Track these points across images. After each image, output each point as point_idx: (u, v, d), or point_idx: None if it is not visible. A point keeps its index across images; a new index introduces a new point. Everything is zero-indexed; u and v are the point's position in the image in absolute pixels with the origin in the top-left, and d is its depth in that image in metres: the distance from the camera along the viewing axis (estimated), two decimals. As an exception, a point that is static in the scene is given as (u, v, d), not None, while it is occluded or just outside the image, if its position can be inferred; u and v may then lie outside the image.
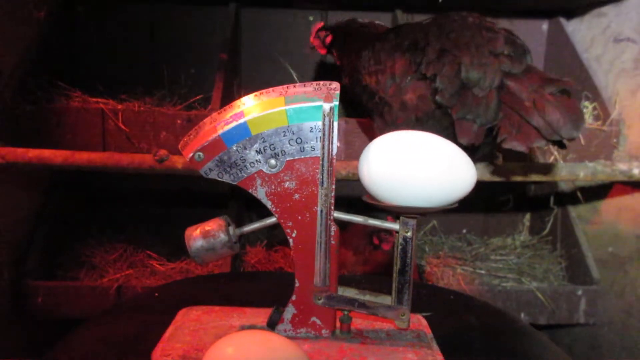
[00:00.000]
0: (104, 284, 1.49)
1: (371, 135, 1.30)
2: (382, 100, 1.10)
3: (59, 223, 1.68)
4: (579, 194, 1.72)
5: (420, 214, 0.54)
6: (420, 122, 1.03)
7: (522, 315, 1.58)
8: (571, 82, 0.90)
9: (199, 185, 1.83)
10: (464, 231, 2.06)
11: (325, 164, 0.53)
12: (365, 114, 1.25)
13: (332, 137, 0.53)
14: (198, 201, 1.88)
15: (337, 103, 0.52)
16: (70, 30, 1.81)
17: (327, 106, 0.52)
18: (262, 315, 0.62)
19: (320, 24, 1.40)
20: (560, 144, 0.88)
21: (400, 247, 0.56)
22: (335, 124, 0.53)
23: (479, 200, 2.02)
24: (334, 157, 0.54)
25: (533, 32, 1.97)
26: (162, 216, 1.91)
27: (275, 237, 1.83)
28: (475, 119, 0.93)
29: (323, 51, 1.41)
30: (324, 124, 0.52)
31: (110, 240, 1.76)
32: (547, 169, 1.35)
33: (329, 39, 1.37)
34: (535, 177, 1.37)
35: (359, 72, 1.18)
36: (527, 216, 2.04)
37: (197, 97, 1.64)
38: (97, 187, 1.88)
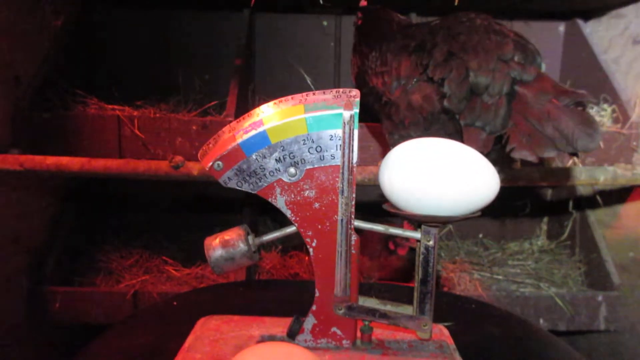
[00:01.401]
0: (121, 290, 1.50)
1: (383, 139, 1.28)
2: (389, 101, 1.09)
3: (75, 229, 1.70)
4: (598, 198, 1.69)
5: (443, 223, 0.53)
6: (427, 123, 1.01)
7: (541, 321, 1.55)
8: (586, 94, 0.88)
9: (214, 191, 1.83)
10: (480, 236, 2.03)
11: (346, 173, 0.53)
12: (377, 118, 1.24)
13: (353, 145, 0.52)
14: (213, 207, 1.88)
15: (357, 111, 0.52)
16: (86, 38, 1.83)
17: (347, 114, 0.51)
18: (281, 324, 0.61)
19: (364, 3, 1.36)
20: (573, 153, 0.86)
21: (422, 256, 0.55)
22: (356, 132, 0.52)
23: (495, 205, 1.98)
24: (355, 165, 0.53)
25: (550, 34, 1.95)
26: (178, 222, 1.91)
27: (290, 242, 1.82)
28: (484, 126, 0.91)
29: (364, 2, 1.36)
30: (344, 132, 0.52)
31: (126, 246, 1.77)
32: (566, 173, 1.33)
33: (358, 22, 1.32)
34: (553, 182, 1.35)
35: (366, 72, 1.17)
36: (545, 220, 2.01)
37: (212, 103, 1.65)
38: (113, 193, 1.90)
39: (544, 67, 0.95)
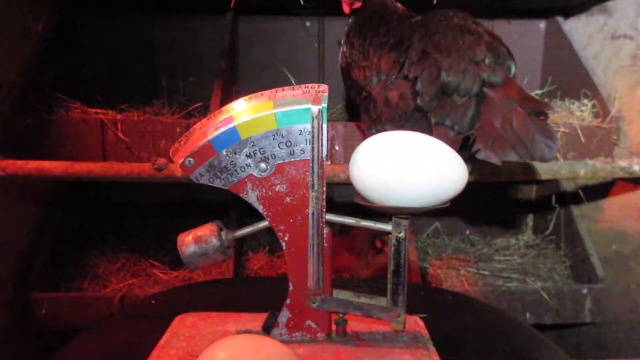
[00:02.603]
0: (108, 294, 1.49)
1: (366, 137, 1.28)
2: (368, 96, 1.10)
3: (62, 234, 1.69)
4: (580, 192, 1.71)
5: (412, 214, 0.54)
6: (402, 120, 1.02)
7: (528, 315, 1.57)
8: (547, 104, 0.90)
9: (200, 193, 1.83)
10: (467, 232, 2.05)
11: (316, 167, 0.53)
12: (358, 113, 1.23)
13: (322, 139, 0.53)
14: (200, 209, 1.89)
15: (325, 105, 0.52)
16: (68, 42, 1.82)
17: (315, 109, 0.52)
18: (258, 320, 0.62)
19: None
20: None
21: (393, 247, 0.55)
22: (325, 126, 0.53)
23: (481, 201, 2.01)
24: (324, 159, 0.54)
25: (531, 31, 1.98)
26: (165, 225, 1.91)
27: (277, 242, 1.82)
28: (453, 125, 0.93)
29: (346, 10, 1.29)
30: (312, 127, 0.52)
31: (113, 251, 1.77)
32: (548, 167, 1.35)
33: (356, 5, 1.26)
34: (535, 176, 1.36)
35: (350, 65, 1.18)
36: (530, 216, 2.03)
37: (196, 105, 1.65)
38: (99, 198, 1.89)
39: (513, 70, 0.96)
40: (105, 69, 1.88)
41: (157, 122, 1.47)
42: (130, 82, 1.87)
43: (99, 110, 1.53)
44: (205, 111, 1.64)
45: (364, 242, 1.65)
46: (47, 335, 1.53)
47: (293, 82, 1.91)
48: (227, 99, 1.64)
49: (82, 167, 1.28)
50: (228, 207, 1.76)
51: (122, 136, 1.45)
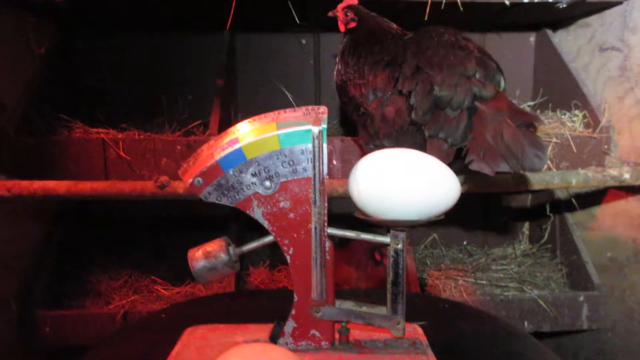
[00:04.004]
0: (110, 311, 1.51)
1: (364, 152, 1.30)
2: (366, 112, 1.13)
3: (64, 252, 1.71)
4: (574, 200, 1.75)
5: (408, 227, 0.57)
6: (399, 134, 1.05)
7: (526, 323, 1.59)
8: (537, 116, 0.93)
9: (201, 209, 1.86)
10: (465, 243, 2.08)
11: (317, 184, 0.57)
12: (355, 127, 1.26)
13: (322, 158, 0.56)
14: (200, 224, 1.91)
15: (325, 126, 0.56)
16: (70, 64, 1.86)
17: (315, 129, 0.55)
18: (264, 330, 0.64)
19: (355, 1, 1.31)
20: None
21: (392, 259, 0.58)
22: (325, 146, 0.56)
23: (477, 212, 2.04)
24: (325, 176, 0.57)
25: (521, 44, 2.02)
26: (166, 241, 1.93)
27: (277, 256, 1.85)
28: (446, 138, 0.96)
29: (342, 28, 1.32)
30: (313, 146, 0.56)
31: (115, 267, 1.78)
32: (541, 177, 1.38)
33: (351, 25, 1.30)
34: (528, 186, 1.40)
35: (346, 83, 1.21)
36: (526, 225, 2.06)
37: (196, 123, 1.68)
38: (101, 215, 1.91)
39: (503, 84, 1.00)
40: (106, 89, 1.91)
41: (158, 140, 1.50)
42: (131, 101, 1.90)
43: (100, 130, 1.56)
44: (205, 128, 1.67)
45: (363, 255, 1.67)
46: (52, 353, 1.55)
47: (290, 97, 1.95)
48: (226, 115, 1.68)
49: (85, 186, 1.31)
50: (228, 221, 1.79)
51: (123, 155, 1.48)
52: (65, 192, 1.30)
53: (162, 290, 1.67)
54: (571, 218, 1.79)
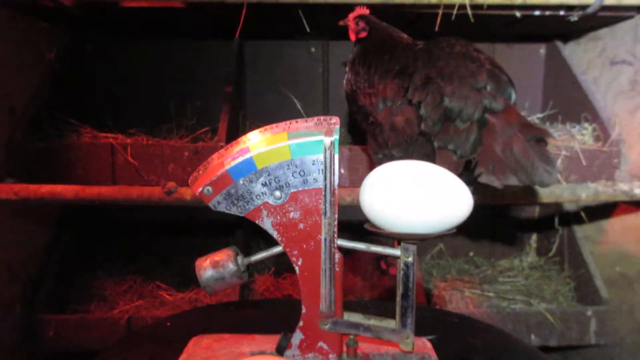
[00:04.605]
0: (115, 316, 1.51)
1: (371, 161, 1.30)
2: (375, 121, 1.13)
3: (69, 257, 1.71)
4: (582, 214, 1.73)
5: (420, 240, 0.56)
6: (408, 144, 1.05)
7: (532, 337, 1.57)
8: (547, 130, 0.93)
9: (206, 215, 1.86)
10: (471, 254, 2.06)
11: (328, 195, 0.56)
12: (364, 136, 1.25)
13: (334, 169, 0.56)
14: (206, 231, 1.91)
15: (337, 137, 0.55)
16: (79, 69, 1.87)
17: (327, 140, 0.55)
18: (270, 341, 0.64)
19: (366, 11, 1.31)
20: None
21: (402, 272, 0.58)
22: (336, 157, 0.55)
23: (484, 223, 2.03)
24: (336, 188, 0.56)
25: (531, 56, 2.02)
26: (171, 247, 1.93)
27: (282, 264, 1.84)
28: (455, 149, 0.96)
29: (353, 38, 1.31)
30: (325, 157, 0.55)
31: (120, 272, 1.78)
32: (550, 191, 1.37)
33: (362, 35, 1.28)
34: (537, 199, 1.39)
35: (355, 92, 1.21)
36: (534, 237, 2.05)
37: (204, 129, 1.68)
38: (106, 220, 1.91)
39: (514, 97, 0.99)
40: (115, 94, 1.92)
41: (166, 146, 1.50)
42: (139, 107, 1.91)
43: (109, 135, 1.56)
44: (212, 135, 1.67)
45: (369, 264, 1.66)
46: (55, 357, 1.54)
47: (298, 105, 1.95)
48: (234, 122, 1.68)
49: (93, 191, 1.31)
50: (234, 228, 1.78)
51: (131, 160, 1.48)
52: (73, 197, 1.30)
53: (167, 296, 1.66)
54: (580, 231, 1.78)
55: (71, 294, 1.64)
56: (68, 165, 1.47)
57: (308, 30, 1.53)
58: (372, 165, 1.54)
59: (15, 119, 1.47)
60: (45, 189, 1.30)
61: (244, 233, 1.77)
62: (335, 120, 0.57)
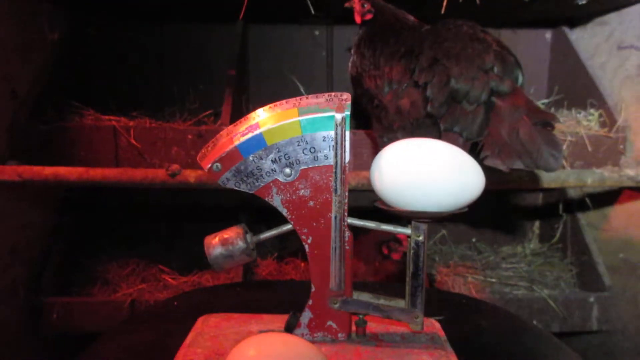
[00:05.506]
0: (118, 299, 1.51)
1: (376, 146, 1.29)
2: (380, 104, 1.12)
3: (72, 240, 1.71)
4: (587, 200, 1.73)
5: (431, 219, 0.56)
6: (414, 127, 1.04)
7: (535, 323, 1.57)
8: (554, 115, 0.91)
9: (210, 199, 1.85)
10: (474, 240, 2.06)
11: (339, 172, 0.55)
12: (369, 119, 1.25)
13: (345, 146, 0.55)
14: (209, 215, 1.90)
15: (348, 113, 0.54)
16: (82, 51, 1.85)
17: (339, 116, 0.54)
18: (279, 321, 0.63)
19: None
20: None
21: (412, 251, 0.57)
22: (348, 133, 0.55)
23: (487, 209, 2.02)
24: (347, 165, 0.55)
25: (537, 41, 2.00)
26: (174, 230, 1.93)
27: (285, 249, 1.84)
28: (461, 132, 0.95)
29: (358, 20, 1.29)
30: (336, 133, 0.54)
31: (123, 256, 1.78)
32: (556, 176, 1.36)
33: (368, 17, 1.26)
34: (543, 184, 1.38)
35: (361, 75, 1.19)
36: (537, 224, 2.04)
37: (207, 113, 1.67)
38: (109, 203, 1.91)
39: (521, 79, 0.98)
40: (118, 77, 1.91)
41: (169, 129, 1.49)
42: (142, 90, 1.90)
43: (112, 117, 1.55)
44: (216, 118, 1.66)
45: (371, 249, 1.66)
46: (59, 339, 1.55)
47: (302, 90, 1.94)
48: (237, 106, 1.67)
49: (97, 173, 1.30)
50: (237, 212, 1.78)
51: (134, 142, 1.47)
52: (77, 179, 1.30)
53: (170, 280, 1.66)
54: (583, 218, 1.77)
55: (74, 277, 1.64)
56: (71, 148, 1.47)
57: (313, 11, 1.52)
58: (376, 149, 1.54)
59: (17, 102, 1.46)
60: (49, 171, 1.29)
61: (247, 219, 1.77)
62: (347, 96, 0.56)
